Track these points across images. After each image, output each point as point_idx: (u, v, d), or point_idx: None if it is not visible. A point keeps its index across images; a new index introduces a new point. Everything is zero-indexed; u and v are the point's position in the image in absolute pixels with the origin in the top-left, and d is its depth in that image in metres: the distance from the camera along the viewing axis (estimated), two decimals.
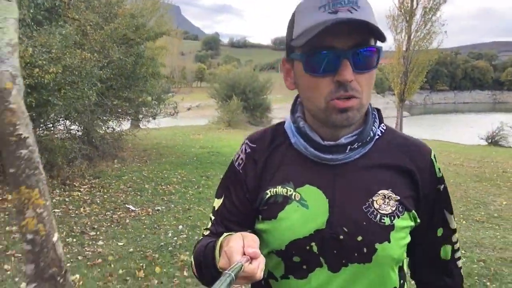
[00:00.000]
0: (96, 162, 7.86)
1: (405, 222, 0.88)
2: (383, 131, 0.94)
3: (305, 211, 0.89)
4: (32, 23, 5.10)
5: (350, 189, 0.88)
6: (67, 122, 7.46)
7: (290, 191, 0.91)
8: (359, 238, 0.86)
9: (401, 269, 0.94)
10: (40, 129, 6.58)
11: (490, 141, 18.38)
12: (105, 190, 6.47)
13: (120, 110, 9.46)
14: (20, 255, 3.88)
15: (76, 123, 7.33)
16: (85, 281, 3.50)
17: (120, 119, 9.66)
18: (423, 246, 0.97)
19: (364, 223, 0.86)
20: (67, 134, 7.21)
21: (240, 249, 0.71)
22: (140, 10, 12.37)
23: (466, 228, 5.30)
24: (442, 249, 0.98)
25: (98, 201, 5.90)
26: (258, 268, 0.70)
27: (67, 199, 5.86)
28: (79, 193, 6.18)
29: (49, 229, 1.51)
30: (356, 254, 0.86)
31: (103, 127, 8.52)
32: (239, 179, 0.97)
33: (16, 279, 3.47)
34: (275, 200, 0.91)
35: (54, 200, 5.72)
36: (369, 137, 0.90)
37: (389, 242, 0.85)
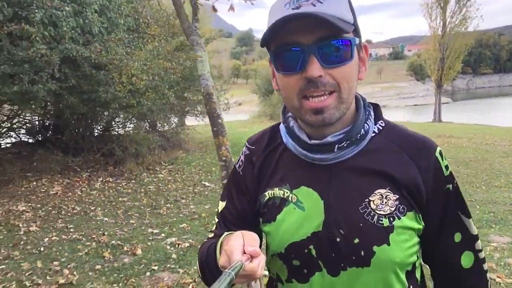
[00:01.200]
0: (169, 151, 9.40)
1: (407, 223, 0.83)
2: (381, 127, 0.90)
3: (301, 213, 0.87)
4: (127, 42, 6.60)
5: (345, 189, 0.85)
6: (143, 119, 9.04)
7: (287, 193, 0.89)
8: (356, 241, 0.82)
9: (410, 275, 0.88)
10: (131, 123, 8.16)
11: None
12: (182, 173, 7.96)
13: (178, 108, 11.02)
14: None
15: (153, 119, 8.87)
16: (191, 228, 4.92)
17: (182, 116, 11.21)
18: (442, 253, 0.91)
19: (361, 224, 0.83)
20: (148, 128, 8.77)
21: (240, 248, 0.71)
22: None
23: (484, 192, 6.31)
24: (462, 257, 0.90)
25: (179, 180, 7.38)
26: (258, 266, 0.69)
27: (155, 179, 7.38)
28: (161, 175, 7.70)
29: (230, 156, 2.95)
30: (353, 257, 0.83)
31: (172, 122, 10.06)
32: (240, 181, 0.98)
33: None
34: (273, 202, 0.90)
35: (145, 180, 7.27)
36: (359, 135, 0.86)
37: (389, 244, 0.81)
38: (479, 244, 0.92)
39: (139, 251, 4.15)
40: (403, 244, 0.83)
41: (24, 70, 5.04)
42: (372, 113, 0.90)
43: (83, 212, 5.48)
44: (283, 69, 0.81)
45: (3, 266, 3.82)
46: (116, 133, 8.76)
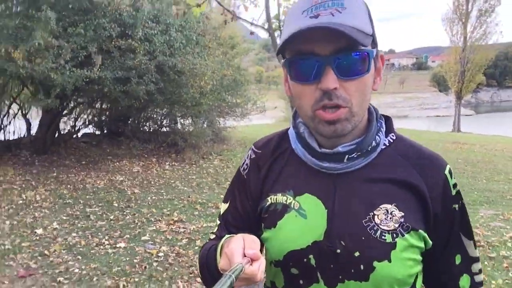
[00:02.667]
0: (217, 145, 11.07)
1: (411, 242, 0.81)
2: (392, 141, 0.88)
3: (303, 221, 0.86)
4: (199, 53, 8.30)
5: (350, 201, 0.84)
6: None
7: (290, 199, 0.88)
8: (357, 254, 0.81)
9: None
10: (192, 121, 9.87)
11: None
12: (231, 162, 9.57)
13: (225, 110, 12.72)
14: None
15: (207, 117, 10.58)
16: None
17: (226, 115, 12.89)
18: (441, 275, 0.89)
19: (363, 238, 0.81)
20: (203, 125, 10.48)
21: (241, 251, 0.71)
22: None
23: (484, 184, 7.68)
24: (461, 280, 0.89)
25: (231, 167, 8.99)
26: (258, 269, 0.70)
27: (211, 165, 9.02)
28: (216, 162, 9.33)
29: None
30: (352, 271, 0.81)
31: (219, 121, 11.76)
32: (244, 184, 0.97)
33: None
34: (275, 208, 0.89)
35: (203, 165, 8.91)
36: (370, 147, 0.84)
37: (390, 261, 0.80)
38: (477, 267, 0.90)
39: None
40: (405, 262, 0.81)
41: (132, 75, 6.76)
42: (383, 125, 0.89)
43: (167, 183, 7.16)
44: (297, 78, 0.80)
45: (128, 211, 5.49)
46: (176, 128, 10.49)
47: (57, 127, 9.33)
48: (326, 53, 0.75)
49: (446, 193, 0.85)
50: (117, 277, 3.53)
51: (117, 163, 8.41)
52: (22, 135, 9.27)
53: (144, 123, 10.98)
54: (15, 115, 9.32)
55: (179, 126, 10.40)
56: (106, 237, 4.50)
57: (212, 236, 1.00)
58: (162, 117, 10.89)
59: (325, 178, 0.86)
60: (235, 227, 0.95)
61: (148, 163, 8.68)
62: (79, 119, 10.13)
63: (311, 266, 0.84)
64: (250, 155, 0.99)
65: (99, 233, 4.62)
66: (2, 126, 9.04)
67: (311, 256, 0.84)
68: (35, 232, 4.53)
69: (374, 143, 0.85)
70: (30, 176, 6.94)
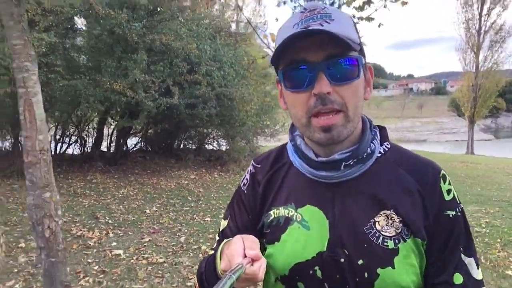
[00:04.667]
0: (247, 160, 13.05)
1: (413, 246, 0.82)
2: (387, 149, 0.90)
3: (306, 232, 0.86)
4: (246, 84, 10.36)
5: (351, 209, 0.84)
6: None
7: (292, 211, 0.89)
8: (360, 262, 0.81)
9: None
10: (231, 140, 11.91)
11: None
12: None
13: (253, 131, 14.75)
14: None
15: (246, 135, 12.61)
16: None
17: (257, 136, 14.89)
18: None
19: (365, 245, 0.81)
20: (242, 142, 12.50)
21: (241, 251, 0.72)
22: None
23: (478, 191, 9.32)
24: None
25: None
26: (259, 269, 0.71)
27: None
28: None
29: None
30: (357, 279, 0.81)
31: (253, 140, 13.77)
32: (244, 199, 0.98)
33: None
34: (277, 222, 0.90)
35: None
36: (365, 154, 0.85)
37: (393, 267, 0.80)
38: None
39: None
40: (409, 268, 0.81)
41: (198, 102, 8.84)
42: (378, 134, 0.91)
43: (221, 186, 9.10)
44: (291, 86, 0.82)
45: (200, 202, 7.43)
46: (220, 144, 12.52)
47: (126, 143, 11.48)
48: (318, 60, 0.77)
49: (439, 199, 0.84)
50: (213, 235, 5.42)
51: (176, 172, 10.41)
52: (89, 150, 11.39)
53: (189, 141, 13.12)
54: (93, 134, 11.54)
55: (222, 143, 12.44)
56: (195, 215, 6.43)
57: (211, 252, 0.97)
58: (205, 135, 12.99)
59: (324, 188, 0.86)
60: None
61: (200, 173, 10.66)
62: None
63: (318, 278, 0.84)
64: (250, 170, 1.00)
65: (188, 214, 6.56)
66: (83, 142, 11.23)
67: (316, 268, 0.84)
68: (145, 212, 6.50)
69: (369, 150, 0.86)
70: (116, 180, 8.98)
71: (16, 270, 3.95)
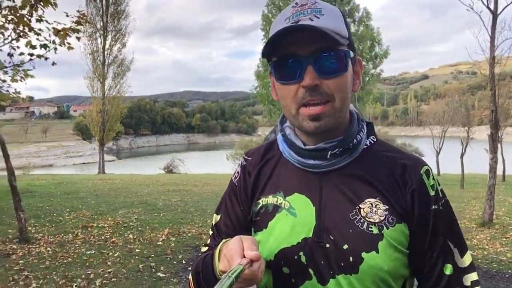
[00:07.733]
0: None
1: (397, 234, 0.84)
2: (373, 141, 0.93)
3: (293, 219, 0.88)
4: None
5: (337, 197, 0.87)
6: None
7: (280, 199, 0.91)
8: (345, 247, 0.83)
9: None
10: None
11: (166, 170, 25.95)
12: None
13: None
14: None
15: None
16: None
17: None
18: (432, 286, 0.87)
19: (350, 230, 0.84)
20: None
21: (240, 252, 0.73)
22: None
23: None
24: None
25: None
26: (259, 270, 0.71)
27: None
28: None
29: None
30: (342, 264, 0.83)
31: None
32: (235, 192, 1.00)
33: None
34: (266, 209, 0.92)
35: None
36: (352, 144, 0.88)
37: (377, 252, 0.82)
38: (468, 278, 0.88)
39: None
40: (393, 254, 0.83)
41: None
42: (365, 127, 0.94)
43: None
44: (282, 78, 0.85)
45: None
46: None
47: None
48: (306, 53, 0.81)
49: (423, 193, 0.87)
50: None
51: None
52: None
53: None
54: None
55: None
56: None
57: (204, 249, 1.02)
58: None
59: (312, 177, 0.90)
60: (227, 235, 0.96)
61: None
62: None
63: (302, 263, 0.86)
64: (242, 163, 1.03)
65: None
66: None
67: (301, 253, 0.86)
68: None
69: (355, 141, 0.89)
70: None
71: None
